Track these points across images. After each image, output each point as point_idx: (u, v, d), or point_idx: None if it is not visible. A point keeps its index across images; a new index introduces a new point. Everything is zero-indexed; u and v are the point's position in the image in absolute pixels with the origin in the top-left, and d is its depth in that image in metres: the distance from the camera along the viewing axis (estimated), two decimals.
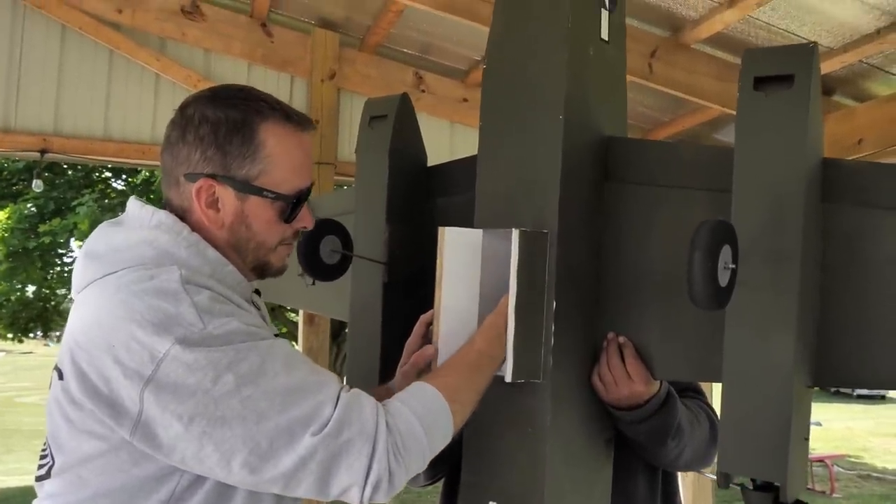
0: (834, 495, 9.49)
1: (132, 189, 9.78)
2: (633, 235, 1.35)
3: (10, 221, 9.65)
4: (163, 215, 1.19)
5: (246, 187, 1.18)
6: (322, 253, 1.49)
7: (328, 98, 4.55)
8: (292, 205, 1.21)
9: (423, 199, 1.69)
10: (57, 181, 9.86)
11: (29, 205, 9.84)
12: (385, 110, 1.66)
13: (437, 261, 1.30)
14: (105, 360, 1.06)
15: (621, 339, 1.35)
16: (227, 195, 1.18)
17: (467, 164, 1.48)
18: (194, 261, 1.16)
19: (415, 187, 1.69)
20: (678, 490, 1.70)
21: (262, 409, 1.05)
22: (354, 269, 1.64)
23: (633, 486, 1.58)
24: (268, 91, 1.25)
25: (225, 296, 1.14)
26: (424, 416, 1.14)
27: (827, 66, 3.59)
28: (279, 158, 1.19)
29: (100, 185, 10.06)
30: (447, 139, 4.85)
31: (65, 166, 9.65)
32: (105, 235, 1.20)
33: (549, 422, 1.28)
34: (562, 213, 1.29)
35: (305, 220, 1.26)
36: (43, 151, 4.25)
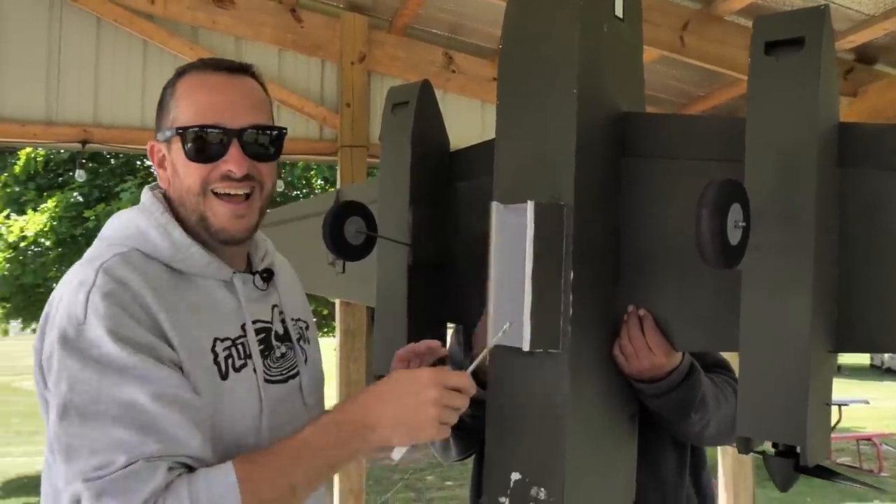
0: (881, 474, 9.33)
1: None
2: (652, 209, 1.36)
3: (57, 210, 9.91)
4: (147, 196, 1.25)
5: (163, 135, 1.24)
6: (347, 233, 1.52)
7: (358, 81, 4.56)
8: (193, 138, 1.19)
9: (446, 184, 1.71)
10: (100, 170, 10.15)
11: (75, 193, 10.13)
12: (407, 97, 1.69)
13: (489, 237, 1.32)
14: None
15: (641, 311, 1.36)
16: (162, 151, 1.26)
17: (487, 148, 1.50)
18: (162, 242, 1.19)
19: (437, 171, 1.71)
20: (706, 464, 1.71)
21: (64, 444, 1.07)
22: (380, 253, 1.66)
23: (661, 461, 1.59)
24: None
25: (164, 290, 1.14)
26: None
27: (868, 34, 3.51)
28: (184, 100, 1.22)
29: (141, 172, 10.29)
30: (478, 119, 4.84)
31: (107, 155, 9.88)
32: (112, 218, 1.28)
33: (569, 393, 1.30)
34: (577, 187, 1.30)
35: (229, 163, 1.20)
36: (84, 142, 4.37)
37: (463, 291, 1.63)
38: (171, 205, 1.25)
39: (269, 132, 1.23)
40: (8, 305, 11.22)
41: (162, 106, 1.26)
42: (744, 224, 1.09)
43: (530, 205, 1.27)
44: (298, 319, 1.39)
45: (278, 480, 1.11)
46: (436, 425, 1.12)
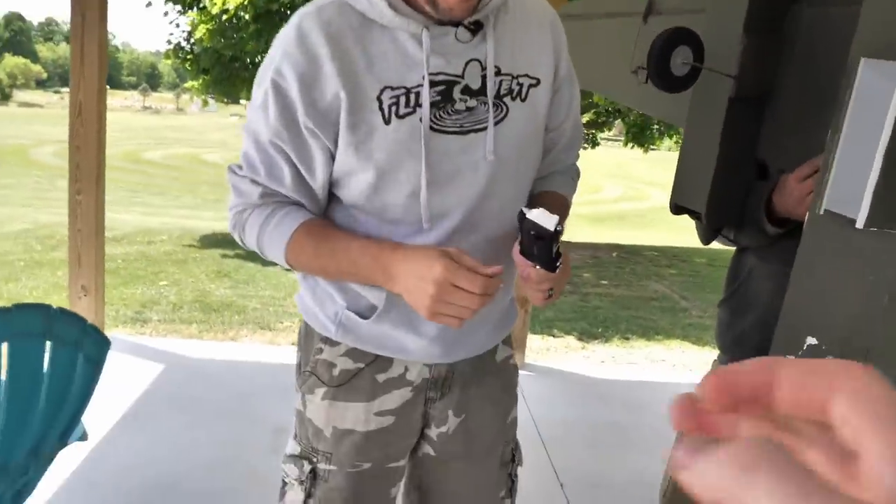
0: None
1: None
2: None
3: None
4: None
5: None
6: (672, 64, 1.43)
7: None
8: None
9: (787, 6, 1.53)
10: None
11: None
12: None
13: (846, 91, 1.20)
14: None
15: None
16: None
17: None
18: None
19: None
20: None
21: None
22: (700, 80, 1.56)
23: None
24: None
25: (345, 40, 1.27)
26: (262, 248, 1.42)
27: None
28: None
29: None
30: None
31: None
32: None
33: None
34: None
35: None
36: None
37: (782, 127, 1.51)
38: None
39: None
40: (208, 77, 11.73)
41: None
42: None
43: None
44: (522, 76, 1.39)
45: (313, 260, 1.39)
46: (428, 312, 1.24)
